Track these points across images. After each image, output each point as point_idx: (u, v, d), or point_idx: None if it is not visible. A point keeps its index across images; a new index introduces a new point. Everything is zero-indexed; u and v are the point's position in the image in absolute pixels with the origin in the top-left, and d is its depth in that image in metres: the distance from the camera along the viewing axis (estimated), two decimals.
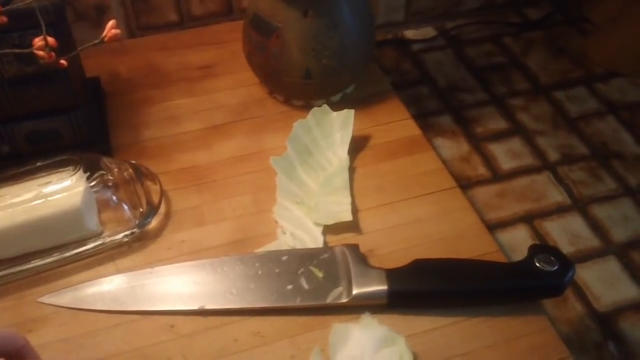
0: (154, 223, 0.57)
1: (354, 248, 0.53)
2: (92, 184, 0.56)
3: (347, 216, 0.56)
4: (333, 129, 0.63)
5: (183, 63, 0.74)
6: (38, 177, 0.54)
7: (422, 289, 0.50)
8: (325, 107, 0.63)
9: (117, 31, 0.44)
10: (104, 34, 0.44)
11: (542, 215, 0.67)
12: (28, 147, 0.59)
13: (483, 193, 0.69)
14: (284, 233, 0.56)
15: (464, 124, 0.76)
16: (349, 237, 0.56)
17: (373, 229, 0.57)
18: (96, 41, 0.44)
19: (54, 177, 0.54)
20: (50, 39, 0.47)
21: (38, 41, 0.47)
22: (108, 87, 0.71)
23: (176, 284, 0.52)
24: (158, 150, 0.64)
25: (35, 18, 0.46)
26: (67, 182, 0.54)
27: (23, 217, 0.52)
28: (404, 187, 0.60)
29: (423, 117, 0.77)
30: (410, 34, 0.89)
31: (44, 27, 0.46)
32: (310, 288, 0.51)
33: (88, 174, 0.55)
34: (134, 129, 0.66)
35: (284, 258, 0.53)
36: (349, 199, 0.58)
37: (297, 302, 0.50)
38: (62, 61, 0.45)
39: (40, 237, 0.53)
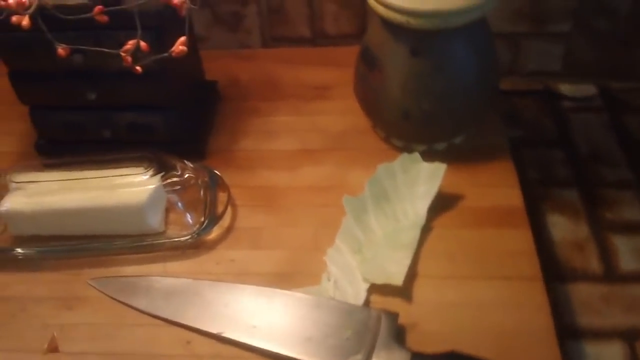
0: (213, 234, 0.59)
1: (392, 317, 0.50)
2: (166, 182, 0.59)
3: (398, 280, 0.52)
4: (419, 180, 0.59)
5: (300, 80, 0.75)
6: (119, 167, 0.58)
7: None
8: (416, 155, 0.60)
9: (184, 48, 0.46)
10: (173, 48, 0.46)
11: None
12: (127, 135, 0.63)
13: (586, 291, 0.59)
14: (329, 280, 0.54)
15: (591, 205, 0.67)
16: (395, 302, 0.52)
17: (425, 301, 0.52)
18: (165, 54, 0.46)
19: (132, 171, 0.58)
20: (143, 44, 0.50)
21: (129, 44, 0.50)
22: (226, 91, 0.74)
23: (207, 302, 0.53)
24: (245, 163, 0.66)
25: (141, 20, 0.50)
26: (141, 178, 0.57)
27: (93, 202, 0.56)
28: (478, 263, 0.55)
29: (545, 185, 0.69)
30: (565, 88, 0.80)
31: (139, 31, 0.50)
32: (330, 345, 0.49)
33: (163, 173, 0.58)
34: (233, 137, 0.69)
35: (318, 306, 0.51)
36: (408, 261, 0.54)
37: (311, 357, 0.48)
38: (137, 67, 0.48)
39: (104, 224, 0.57)
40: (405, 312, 0.51)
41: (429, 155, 0.63)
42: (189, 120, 0.65)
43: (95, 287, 0.55)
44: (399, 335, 0.49)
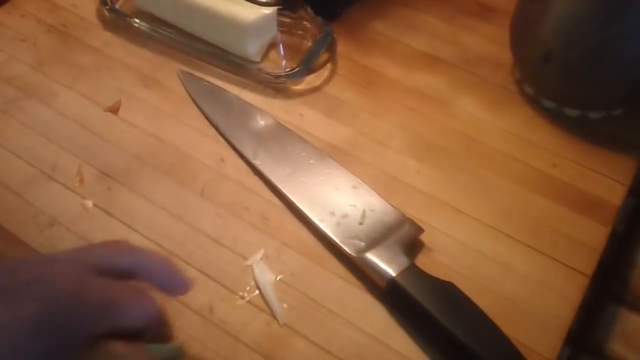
0: (299, 86, 0.64)
1: (415, 229, 0.53)
2: (284, 21, 0.65)
3: None
4: None
5: None
6: None
7: (423, 307, 0.47)
8: None
9: None
10: None
11: None
12: None
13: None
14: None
15: None
16: (425, 223, 0.54)
17: (454, 235, 0.54)
18: None
19: None
20: None
21: None
22: None
23: (266, 134, 0.60)
24: (368, 42, 0.69)
25: None
26: (261, 6, 0.63)
27: (208, 3, 0.63)
28: (532, 232, 0.54)
29: None
30: None
31: None
32: (344, 224, 0.52)
33: (281, 7, 0.64)
34: (373, 15, 0.71)
35: (356, 188, 0.55)
36: None
37: (321, 222, 0.53)
38: None
39: (211, 30, 0.64)
40: (429, 236, 0.53)
41: (555, 117, 0.62)
42: None
43: (179, 78, 0.64)
44: (410, 247, 0.52)
